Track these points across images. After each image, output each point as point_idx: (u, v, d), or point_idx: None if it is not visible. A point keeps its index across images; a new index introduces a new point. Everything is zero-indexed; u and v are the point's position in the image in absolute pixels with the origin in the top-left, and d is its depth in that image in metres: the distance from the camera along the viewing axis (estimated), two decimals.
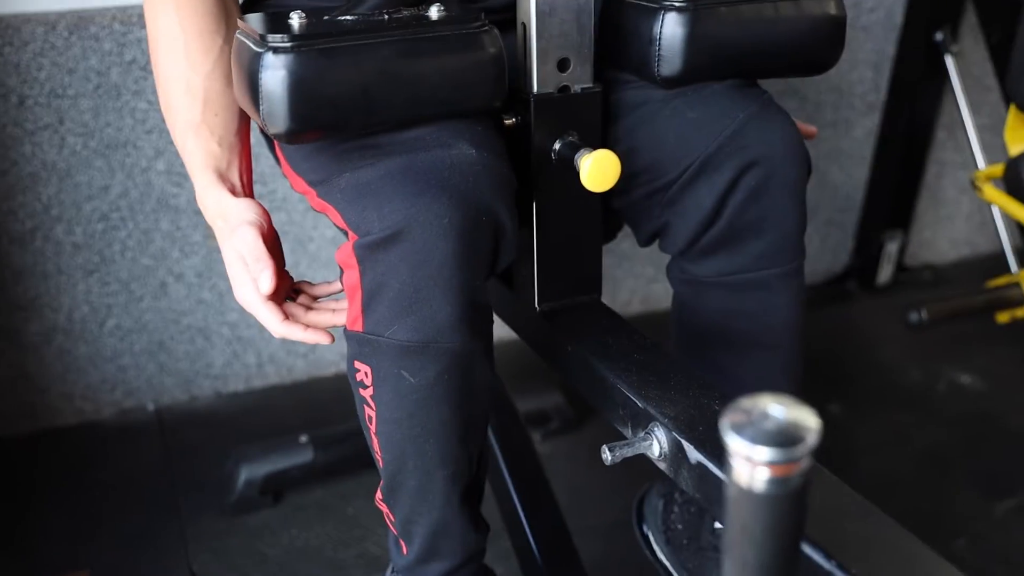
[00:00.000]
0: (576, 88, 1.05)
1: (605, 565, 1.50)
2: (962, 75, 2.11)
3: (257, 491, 1.66)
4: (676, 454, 0.93)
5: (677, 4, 1.02)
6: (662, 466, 0.96)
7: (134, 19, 1.67)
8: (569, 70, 1.04)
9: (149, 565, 1.56)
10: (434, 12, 0.95)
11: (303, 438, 1.71)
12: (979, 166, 2.06)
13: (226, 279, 1.87)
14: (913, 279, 2.46)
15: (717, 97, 1.08)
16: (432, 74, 0.94)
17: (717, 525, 1.23)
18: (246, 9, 1.18)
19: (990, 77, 2.21)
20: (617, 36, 1.08)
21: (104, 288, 1.82)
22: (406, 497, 1.05)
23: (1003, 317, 2.01)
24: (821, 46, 1.09)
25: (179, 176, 1.78)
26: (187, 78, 1.06)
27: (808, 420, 0.55)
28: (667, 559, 1.29)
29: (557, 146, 1.05)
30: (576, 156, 1.00)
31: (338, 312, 1.07)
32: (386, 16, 0.94)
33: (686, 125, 1.08)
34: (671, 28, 1.02)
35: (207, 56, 1.06)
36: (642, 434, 0.97)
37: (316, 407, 1.94)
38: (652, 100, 1.10)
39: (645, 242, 1.21)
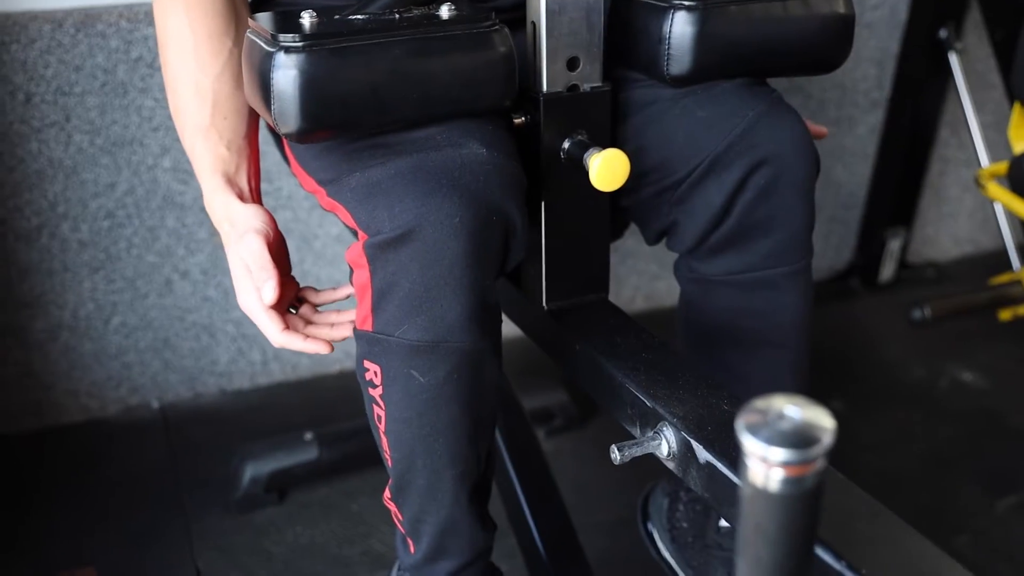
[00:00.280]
0: (585, 87, 1.05)
1: (610, 562, 1.50)
2: (966, 72, 2.11)
3: (262, 488, 1.66)
4: (685, 454, 0.93)
5: (687, 3, 1.02)
6: (671, 466, 0.96)
7: (141, 16, 1.67)
8: (578, 69, 1.04)
9: (154, 562, 1.57)
10: (445, 11, 0.95)
11: (308, 435, 1.71)
12: (983, 164, 2.06)
13: (231, 276, 1.88)
14: (916, 276, 2.46)
15: (726, 96, 1.08)
16: (443, 73, 0.94)
17: (722, 523, 1.23)
18: (256, 8, 1.18)
19: (994, 74, 2.21)
20: (626, 35, 1.08)
21: (110, 285, 1.82)
22: (415, 496, 1.05)
23: (1005, 314, 2.02)
24: (830, 45, 1.10)
25: (185, 173, 1.79)
26: (196, 80, 1.06)
27: (823, 421, 0.56)
28: (672, 557, 1.30)
29: (566, 145, 1.05)
30: (585, 155, 1.00)
31: (337, 326, 1.08)
32: (397, 15, 0.94)
33: (695, 124, 1.08)
34: (680, 27, 1.02)
35: (216, 58, 1.06)
36: (651, 433, 0.97)
37: (321, 404, 1.95)
38: (661, 99, 1.10)
39: (653, 240, 1.21)
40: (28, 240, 1.74)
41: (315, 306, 1.13)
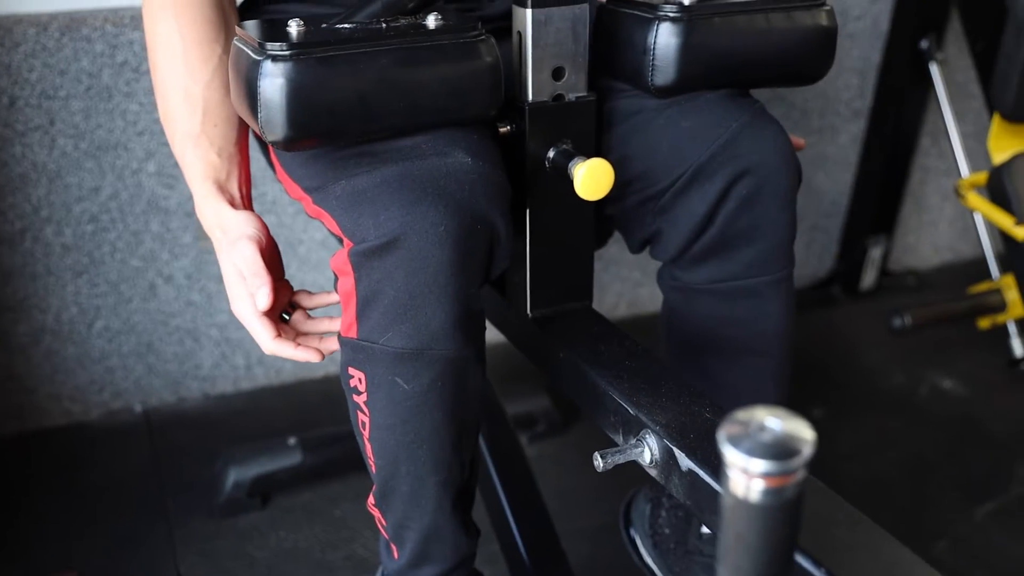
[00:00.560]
0: (570, 97, 1.06)
1: (593, 568, 1.51)
2: (947, 83, 2.13)
3: (245, 493, 1.66)
4: (667, 461, 0.94)
5: (671, 14, 1.03)
6: (653, 473, 0.97)
7: (126, 20, 1.67)
8: (564, 79, 1.05)
9: (137, 567, 1.56)
10: (431, 21, 0.95)
11: (291, 440, 1.71)
12: (963, 173, 2.08)
13: (215, 281, 1.88)
14: (897, 284, 2.48)
15: (710, 106, 1.09)
16: (429, 82, 0.95)
17: (704, 530, 1.24)
18: (243, 15, 1.18)
19: (974, 84, 2.24)
20: (611, 45, 1.09)
21: (93, 289, 1.82)
22: (398, 502, 1.06)
23: (984, 323, 2.03)
24: (812, 57, 1.11)
25: (170, 178, 1.78)
26: (186, 87, 1.06)
27: (803, 432, 0.57)
28: (654, 563, 1.31)
29: (551, 154, 1.06)
30: (570, 164, 1.01)
31: (327, 339, 1.09)
32: (384, 24, 0.95)
33: (679, 134, 1.09)
34: (665, 38, 1.03)
35: (206, 65, 1.06)
36: (633, 441, 0.98)
37: (304, 409, 1.95)
38: (646, 109, 1.11)
39: (637, 249, 1.22)
40: (11, 244, 1.74)
41: (308, 311, 1.13)
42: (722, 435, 0.56)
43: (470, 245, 0.94)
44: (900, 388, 2.07)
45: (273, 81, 0.89)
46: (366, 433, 1.03)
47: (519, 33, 1.03)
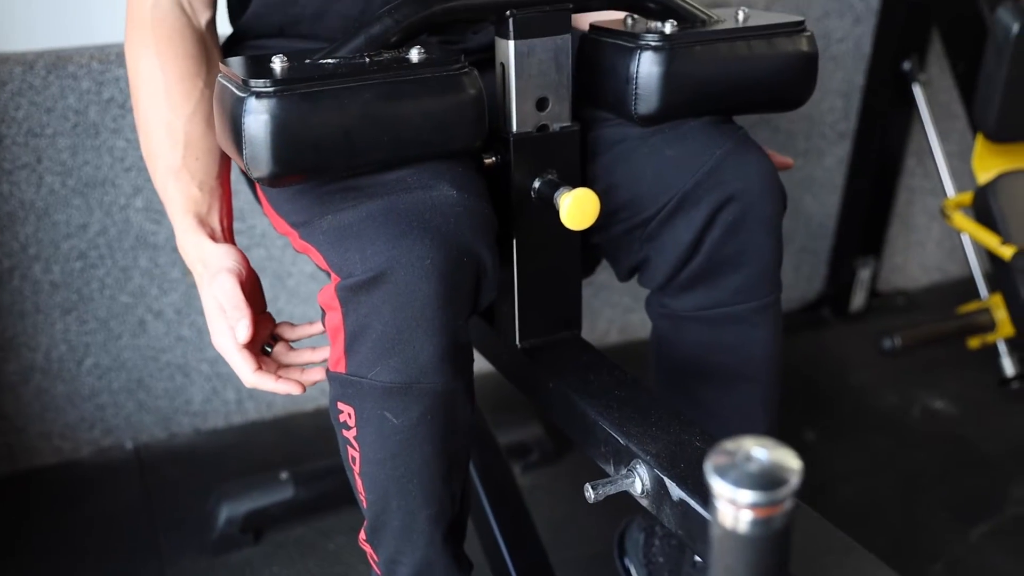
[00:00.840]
0: (555, 127, 1.06)
1: None
2: (930, 103, 2.14)
3: (238, 529, 1.65)
4: (658, 491, 0.94)
5: (653, 43, 1.03)
6: (644, 503, 0.96)
7: (112, 57, 1.68)
8: (547, 109, 1.06)
9: None
10: (415, 54, 0.96)
11: (284, 475, 1.70)
12: (948, 193, 2.09)
13: (205, 315, 1.88)
14: (886, 305, 2.49)
15: (694, 134, 1.10)
16: (413, 116, 0.95)
17: (697, 559, 1.23)
18: (227, 51, 1.18)
19: (957, 104, 2.25)
20: (594, 75, 1.10)
21: (82, 326, 1.81)
22: (390, 537, 1.05)
23: (974, 343, 2.04)
24: (794, 83, 1.11)
25: (157, 213, 1.78)
26: (168, 121, 1.07)
27: (790, 462, 0.57)
28: None
29: (537, 184, 1.06)
30: (555, 194, 1.01)
31: (309, 371, 1.09)
32: (367, 59, 0.95)
33: (664, 162, 1.09)
34: (647, 67, 1.03)
35: (188, 100, 1.07)
36: (624, 471, 0.97)
37: (296, 443, 1.94)
38: (630, 138, 1.12)
39: (624, 277, 1.22)
40: (0, 282, 1.74)
41: (290, 343, 1.13)
42: (709, 466, 0.56)
43: (457, 278, 0.94)
44: (892, 409, 2.07)
45: (258, 118, 0.89)
46: (356, 468, 1.02)
47: (502, 64, 1.03)
